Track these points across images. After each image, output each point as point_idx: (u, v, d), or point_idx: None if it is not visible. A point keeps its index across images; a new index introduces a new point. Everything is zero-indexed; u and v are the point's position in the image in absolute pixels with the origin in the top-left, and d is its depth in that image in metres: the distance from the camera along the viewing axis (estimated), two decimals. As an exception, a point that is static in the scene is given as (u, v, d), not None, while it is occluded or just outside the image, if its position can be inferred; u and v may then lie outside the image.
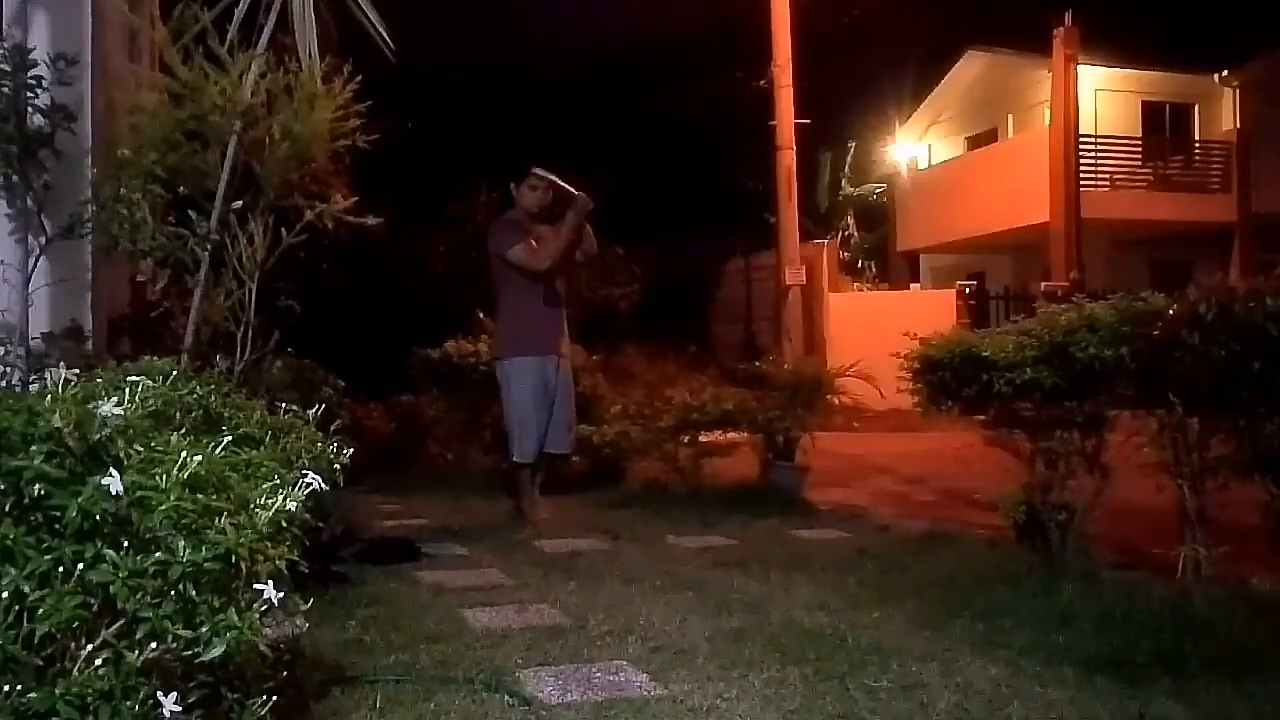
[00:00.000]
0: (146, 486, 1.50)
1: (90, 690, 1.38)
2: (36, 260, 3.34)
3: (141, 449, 1.59)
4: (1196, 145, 19.44)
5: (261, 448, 2.02)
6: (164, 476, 1.53)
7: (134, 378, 1.98)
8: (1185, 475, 3.49)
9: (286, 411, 2.50)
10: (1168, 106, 19.18)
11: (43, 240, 3.33)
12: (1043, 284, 15.13)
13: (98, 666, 1.42)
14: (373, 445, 6.59)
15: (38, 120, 3.26)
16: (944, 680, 2.66)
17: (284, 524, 1.65)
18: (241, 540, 1.51)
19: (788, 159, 14.91)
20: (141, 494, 1.49)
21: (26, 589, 1.38)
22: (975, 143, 21.23)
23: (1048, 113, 18.03)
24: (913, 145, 21.97)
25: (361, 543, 4.23)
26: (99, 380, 2.04)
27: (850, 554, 4.38)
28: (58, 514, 1.45)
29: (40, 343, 3.32)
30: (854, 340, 10.98)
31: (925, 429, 8.44)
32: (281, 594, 1.56)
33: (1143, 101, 18.98)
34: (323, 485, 1.82)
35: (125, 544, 1.46)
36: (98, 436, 1.53)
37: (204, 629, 1.46)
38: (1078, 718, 2.44)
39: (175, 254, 3.49)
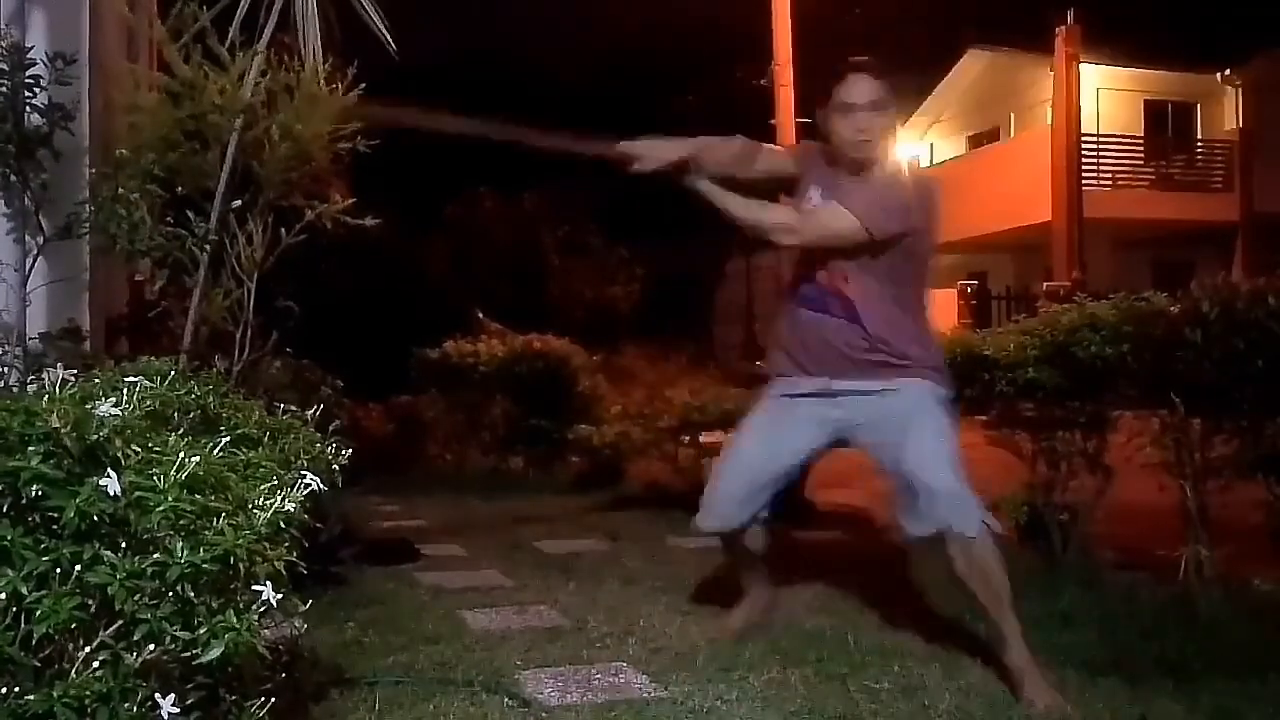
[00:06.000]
0: (144, 487, 1.49)
1: (88, 692, 1.37)
2: (34, 260, 3.33)
3: (139, 449, 1.58)
4: (1199, 144, 19.43)
5: (260, 448, 2.01)
6: (162, 477, 1.52)
7: (132, 378, 1.96)
8: (1188, 475, 3.48)
9: (285, 412, 2.49)
10: (1170, 105, 19.16)
11: (40, 240, 3.31)
12: (1045, 283, 15.13)
13: (95, 668, 1.40)
14: (372, 446, 6.58)
15: (35, 119, 3.24)
16: (946, 682, 2.65)
17: (283, 525, 1.64)
18: (240, 541, 1.50)
19: (788, 158, 14.87)
20: (139, 495, 1.48)
21: (24, 590, 1.36)
22: (977, 142, 21.22)
23: (1049, 112, 18.03)
24: (914, 144, 21.95)
25: (360, 543, 4.22)
26: (97, 380, 2.03)
27: (851, 555, 4.37)
28: (55, 515, 1.44)
29: (38, 343, 3.31)
30: (855, 340, 10.91)
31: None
32: (280, 595, 1.54)
33: (1145, 100, 18.96)
34: (321, 486, 1.81)
35: (123, 545, 1.45)
36: (95, 437, 1.52)
37: (202, 630, 1.45)
38: (1080, 719, 2.44)
39: (173, 254, 3.47)
